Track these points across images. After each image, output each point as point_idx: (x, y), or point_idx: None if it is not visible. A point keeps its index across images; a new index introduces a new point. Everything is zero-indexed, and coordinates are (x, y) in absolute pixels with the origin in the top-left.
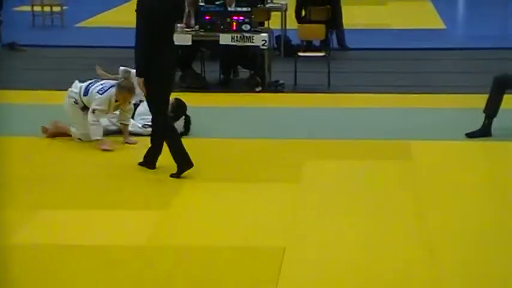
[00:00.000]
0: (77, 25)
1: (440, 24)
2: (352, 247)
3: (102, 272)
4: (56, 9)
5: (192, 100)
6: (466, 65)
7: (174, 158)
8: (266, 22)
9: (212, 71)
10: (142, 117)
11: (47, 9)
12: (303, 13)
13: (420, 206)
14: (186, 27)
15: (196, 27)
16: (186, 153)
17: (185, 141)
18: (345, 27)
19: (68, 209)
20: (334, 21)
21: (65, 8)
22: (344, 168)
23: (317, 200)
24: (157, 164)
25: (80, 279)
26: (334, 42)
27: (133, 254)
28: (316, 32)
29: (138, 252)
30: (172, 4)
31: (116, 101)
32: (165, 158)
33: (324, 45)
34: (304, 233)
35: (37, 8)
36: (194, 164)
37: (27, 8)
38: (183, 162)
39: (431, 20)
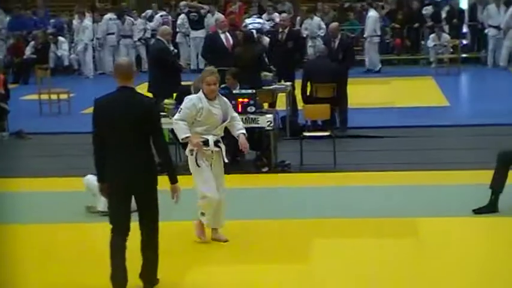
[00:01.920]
0: (83, 112)
1: (444, 102)
2: None
3: None
4: (63, 96)
5: None
6: (470, 142)
7: None
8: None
9: None
10: None
11: (54, 97)
12: (309, 90)
13: (427, 284)
14: None
15: None
16: (116, 275)
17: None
18: (350, 105)
19: None
20: (339, 99)
21: (72, 95)
22: (351, 247)
23: (325, 281)
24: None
25: None
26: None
27: None
28: (322, 112)
29: None
30: (127, 109)
31: None
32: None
33: (329, 124)
34: None
35: (44, 96)
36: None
37: (35, 97)
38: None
39: (434, 97)
